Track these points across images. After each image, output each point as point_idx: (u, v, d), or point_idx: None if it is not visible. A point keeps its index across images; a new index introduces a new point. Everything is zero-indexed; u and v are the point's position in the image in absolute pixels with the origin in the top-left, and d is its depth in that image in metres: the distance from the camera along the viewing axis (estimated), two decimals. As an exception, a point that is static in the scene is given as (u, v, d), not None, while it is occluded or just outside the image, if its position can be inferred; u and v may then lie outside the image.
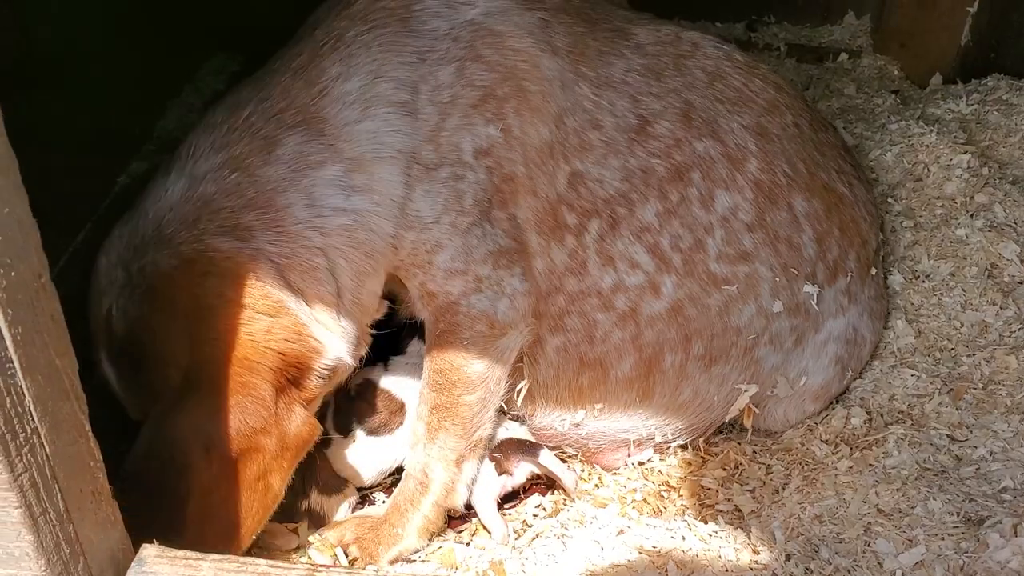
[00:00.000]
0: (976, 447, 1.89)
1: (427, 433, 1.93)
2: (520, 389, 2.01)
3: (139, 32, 2.67)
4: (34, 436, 1.00)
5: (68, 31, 2.31)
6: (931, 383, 2.06)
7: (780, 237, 1.99)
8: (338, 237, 1.76)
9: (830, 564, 1.68)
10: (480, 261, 1.83)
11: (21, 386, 0.96)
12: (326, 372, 1.75)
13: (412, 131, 1.80)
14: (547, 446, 2.06)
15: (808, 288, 2.02)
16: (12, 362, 0.94)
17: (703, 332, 1.99)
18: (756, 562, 1.71)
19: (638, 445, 2.14)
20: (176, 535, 1.46)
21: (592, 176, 1.91)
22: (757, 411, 2.08)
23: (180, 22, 2.87)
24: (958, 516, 1.71)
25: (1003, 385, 2.01)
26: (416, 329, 2.04)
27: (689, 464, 2.14)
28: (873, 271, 2.15)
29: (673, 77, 1.99)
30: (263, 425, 1.61)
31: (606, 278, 1.94)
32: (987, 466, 1.84)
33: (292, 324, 1.68)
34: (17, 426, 0.97)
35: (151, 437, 1.61)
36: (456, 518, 2.04)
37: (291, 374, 1.67)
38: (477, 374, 1.89)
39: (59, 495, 1.06)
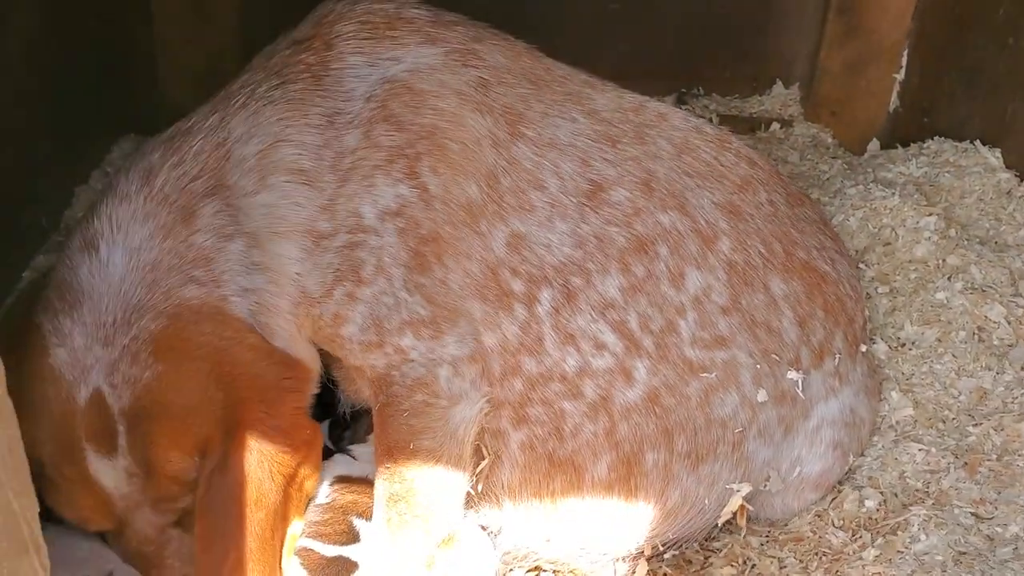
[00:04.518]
0: (1007, 525, 1.76)
1: (389, 533, 1.69)
2: (481, 470, 1.78)
3: (43, 115, 2.41)
4: (-14, 612, 0.74)
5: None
6: (942, 457, 1.93)
7: (757, 321, 1.85)
8: (250, 318, 1.69)
9: (885, 669, 1.50)
10: (396, 332, 1.67)
11: (-29, 545, 0.71)
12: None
13: (309, 202, 1.69)
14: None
15: (792, 374, 1.87)
16: (-39, 513, 0.69)
17: (685, 425, 1.81)
18: (801, 673, 1.52)
19: (625, 561, 1.91)
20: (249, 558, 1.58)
21: (537, 239, 1.77)
22: (751, 508, 1.90)
23: (86, 103, 2.61)
24: (1015, 605, 1.56)
25: (1019, 455, 1.90)
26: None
27: (690, 563, 1.93)
28: (863, 347, 2.03)
29: (633, 145, 1.87)
30: (307, 435, 1.69)
31: (569, 360, 1.76)
32: (1024, 545, 1.71)
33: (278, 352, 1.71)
34: (-34, 602, 0.71)
35: (221, 482, 1.60)
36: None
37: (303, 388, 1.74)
38: (427, 452, 1.67)
39: None
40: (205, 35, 3.02)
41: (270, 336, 1.71)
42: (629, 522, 1.85)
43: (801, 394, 1.88)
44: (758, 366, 1.85)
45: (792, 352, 1.88)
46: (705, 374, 1.81)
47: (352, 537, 1.76)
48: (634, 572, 1.89)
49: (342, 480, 1.83)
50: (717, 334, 1.82)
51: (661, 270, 1.81)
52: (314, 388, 1.77)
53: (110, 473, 1.62)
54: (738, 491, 1.87)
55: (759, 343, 1.85)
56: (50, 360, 1.62)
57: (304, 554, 1.72)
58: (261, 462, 1.61)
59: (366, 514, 1.78)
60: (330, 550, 1.74)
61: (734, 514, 1.89)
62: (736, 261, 1.86)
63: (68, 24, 2.50)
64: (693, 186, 1.88)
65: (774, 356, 1.86)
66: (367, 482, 1.81)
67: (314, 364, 1.77)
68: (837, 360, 1.95)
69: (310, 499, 1.77)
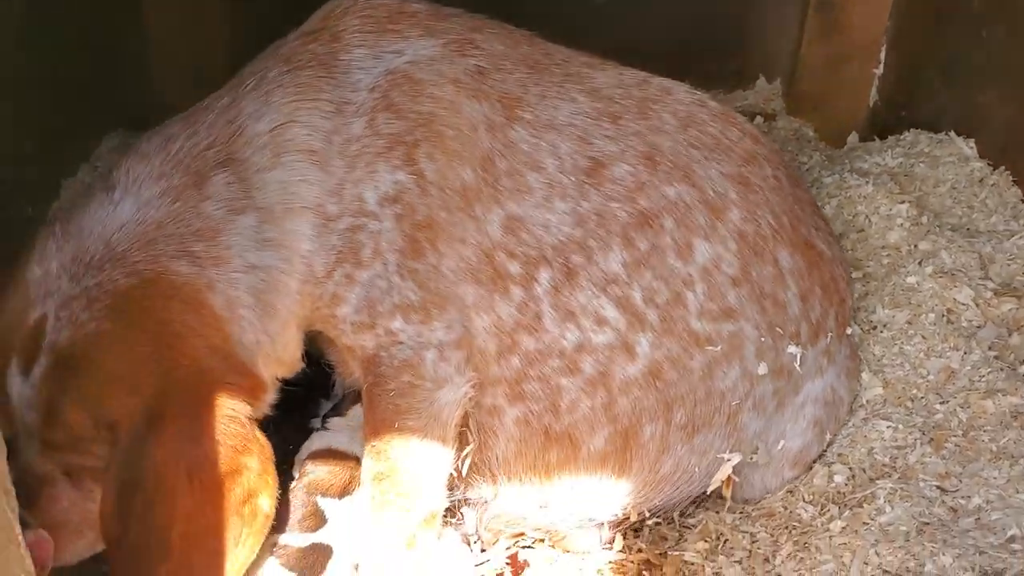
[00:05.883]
0: (970, 497, 1.80)
1: (372, 510, 1.73)
2: (466, 455, 1.82)
3: (33, 108, 2.45)
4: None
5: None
6: (909, 433, 1.97)
7: (766, 293, 1.87)
8: (250, 296, 1.69)
9: (846, 634, 1.54)
10: (387, 315, 1.72)
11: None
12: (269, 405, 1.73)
13: (320, 183, 1.73)
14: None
15: (792, 348, 1.90)
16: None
17: (685, 398, 1.84)
18: (765, 638, 1.56)
19: (612, 526, 1.96)
20: (162, 564, 1.48)
21: (535, 220, 1.80)
22: (738, 480, 1.94)
23: (76, 97, 2.65)
24: (974, 571, 1.60)
25: (984, 431, 1.93)
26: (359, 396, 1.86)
27: (665, 539, 1.97)
28: (849, 330, 2.07)
29: (635, 120, 1.90)
30: (244, 444, 1.57)
31: (568, 336, 1.80)
32: (987, 516, 1.75)
33: (242, 359, 1.66)
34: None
35: (128, 467, 1.53)
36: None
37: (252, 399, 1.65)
38: (411, 432, 1.71)
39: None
40: (196, 31, 3.06)
41: (270, 316, 1.71)
42: (620, 490, 1.90)
43: (799, 368, 1.92)
44: (762, 339, 1.87)
45: (794, 326, 1.91)
46: (711, 347, 1.83)
47: (320, 520, 1.78)
48: (612, 542, 1.94)
49: (314, 456, 1.86)
50: (726, 305, 1.84)
51: (667, 243, 1.83)
52: (267, 401, 1.72)
53: (19, 391, 1.61)
54: (728, 460, 1.90)
55: (765, 315, 1.87)
56: (27, 274, 1.66)
57: (280, 551, 1.73)
58: (177, 461, 1.51)
59: (331, 491, 1.80)
60: (302, 539, 1.76)
61: (721, 483, 1.93)
62: (746, 231, 1.87)
63: (59, 18, 2.55)
64: (700, 158, 1.90)
65: (778, 329, 1.89)
66: (337, 455, 1.85)
67: (290, 360, 1.77)
68: (829, 339, 1.98)
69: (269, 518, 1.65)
